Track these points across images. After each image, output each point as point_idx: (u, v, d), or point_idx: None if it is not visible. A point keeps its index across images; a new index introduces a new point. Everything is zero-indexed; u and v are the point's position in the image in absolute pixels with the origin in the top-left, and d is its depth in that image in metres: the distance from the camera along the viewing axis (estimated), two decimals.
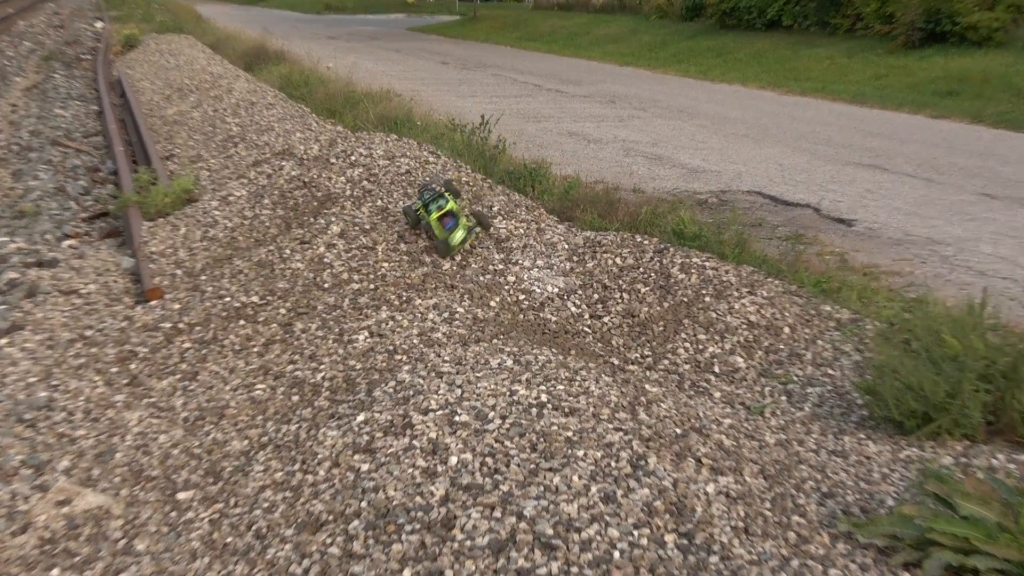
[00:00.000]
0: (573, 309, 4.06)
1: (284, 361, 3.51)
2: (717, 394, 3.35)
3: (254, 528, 2.47)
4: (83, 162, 7.75)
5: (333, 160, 5.53)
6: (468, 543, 2.08)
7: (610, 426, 2.56)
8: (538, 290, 4.20)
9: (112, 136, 8.06)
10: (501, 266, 4.40)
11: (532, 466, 2.35)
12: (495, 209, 4.99)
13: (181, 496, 2.75)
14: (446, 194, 4.50)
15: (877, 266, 4.59)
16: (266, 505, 2.56)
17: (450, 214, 4.39)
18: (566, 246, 4.65)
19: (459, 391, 2.80)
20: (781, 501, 2.45)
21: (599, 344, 3.78)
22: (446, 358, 3.15)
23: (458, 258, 4.43)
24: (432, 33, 24.06)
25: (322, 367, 3.39)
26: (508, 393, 2.75)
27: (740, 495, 2.38)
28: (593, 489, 2.24)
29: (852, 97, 11.13)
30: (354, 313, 3.80)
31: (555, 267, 4.43)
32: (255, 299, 4.01)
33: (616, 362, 3.61)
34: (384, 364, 3.31)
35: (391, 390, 2.94)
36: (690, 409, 2.93)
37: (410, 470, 2.41)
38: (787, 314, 3.83)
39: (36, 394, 3.29)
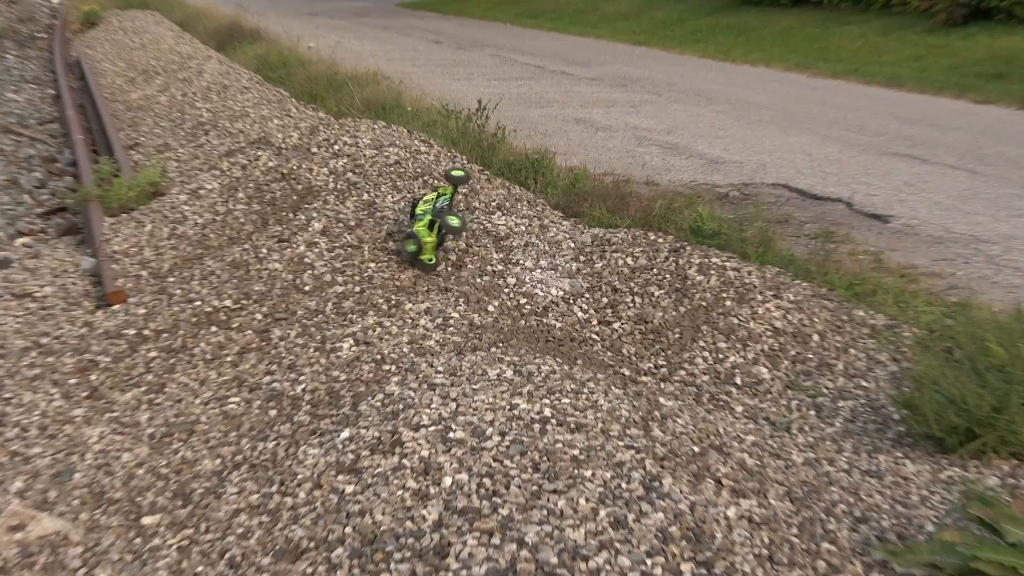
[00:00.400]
0: (580, 314, 4.07)
1: (260, 372, 3.52)
2: (739, 408, 3.36)
3: (227, 556, 2.47)
4: (38, 152, 7.76)
5: (315, 149, 5.54)
6: (464, 573, 2.09)
7: (620, 444, 2.57)
8: (541, 293, 4.20)
9: (70, 123, 8.08)
10: (500, 267, 4.41)
11: (534, 488, 2.36)
12: (493, 204, 5.01)
13: (147, 521, 2.76)
14: (422, 197, 4.47)
15: (915, 267, 4.60)
16: (240, 531, 2.57)
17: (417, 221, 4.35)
18: (572, 245, 4.66)
19: (454, 405, 2.80)
20: (809, 526, 2.45)
21: (608, 353, 3.79)
22: (439, 368, 3.15)
23: (453, 258, 4.44)
24: (424, 9, 24.09)
25: (302, 378, 3.40)
26: (508, 407, 2.75)
27: (764, 520, 2.38)
28: (602, 513, 2.24)
29: (887, 80, 11.14)
30: (338, 318, 3.81)
31: (560, 268, 4.44)
32: (228, 303, 4.02)
33: (627, 373, 3.62)
34: (371, 375, 3.32)
35: (379, 404, 2.95)
36: (709, 425, 2.93)
37: (400, 492, 2.41)
38: (816, 320, 3.84)
39: None
